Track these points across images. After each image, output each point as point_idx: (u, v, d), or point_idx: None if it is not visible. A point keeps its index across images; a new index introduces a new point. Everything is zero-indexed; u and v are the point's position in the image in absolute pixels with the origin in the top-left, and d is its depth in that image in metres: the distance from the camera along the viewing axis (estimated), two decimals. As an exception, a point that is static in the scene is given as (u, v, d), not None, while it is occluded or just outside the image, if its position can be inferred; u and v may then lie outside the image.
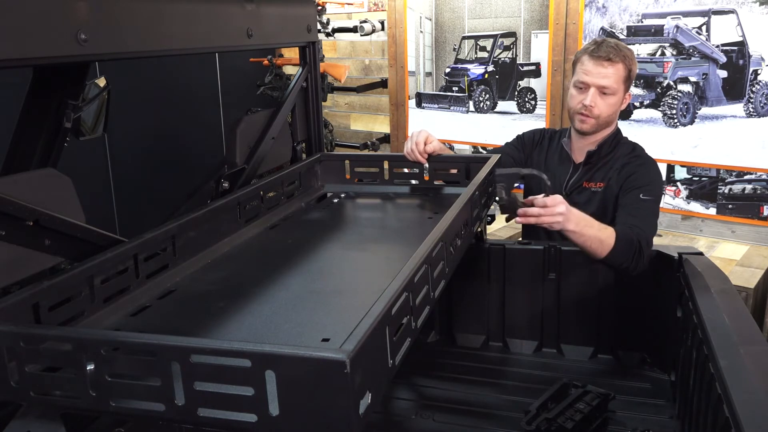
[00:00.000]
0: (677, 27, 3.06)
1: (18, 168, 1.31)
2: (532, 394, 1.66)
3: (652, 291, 1.78)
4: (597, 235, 1.70)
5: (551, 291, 1.90)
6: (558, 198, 1.65)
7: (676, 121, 3.16)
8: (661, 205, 1.94)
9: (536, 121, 3.58)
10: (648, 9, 3.14)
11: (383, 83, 4.18)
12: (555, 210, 1.63)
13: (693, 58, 3.06)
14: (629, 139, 2.03)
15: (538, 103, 3.59)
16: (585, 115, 1.91)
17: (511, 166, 2.08)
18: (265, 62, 3.99)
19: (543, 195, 1.67)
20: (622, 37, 3.23)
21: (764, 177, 2.97)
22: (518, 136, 2.17)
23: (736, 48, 2.95)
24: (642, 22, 3.17)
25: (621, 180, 1.91)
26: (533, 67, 3.58)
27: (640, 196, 1.83)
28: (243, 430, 0.82)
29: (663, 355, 1.77)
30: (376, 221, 1.87)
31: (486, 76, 3.75)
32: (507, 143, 2.18)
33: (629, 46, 1.96)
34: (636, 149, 1.99)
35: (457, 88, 3.87)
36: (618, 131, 2.01)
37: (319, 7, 3.77)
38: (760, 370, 1.11)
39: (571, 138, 2.05)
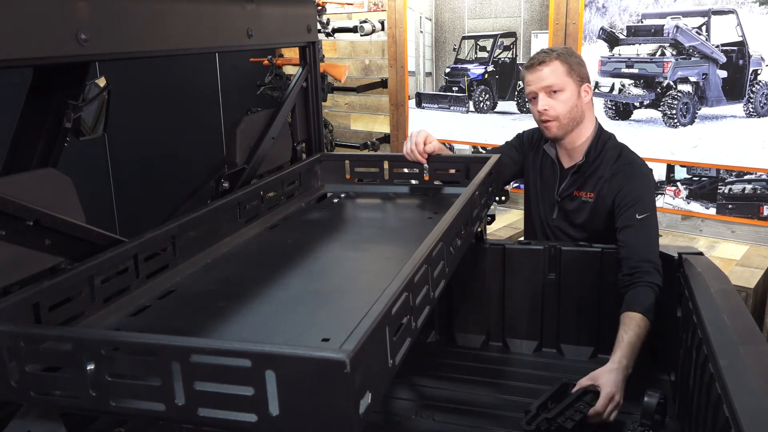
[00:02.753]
0: (677, 27, 3.06)
1: (18, 168, 1.31)
2: (532, 394, 1.66)
3: (652, 291, 1.78)
4: (638, 349, 1.63)
5: (551, 291, 1.90)
6: (608, 389, 1.53)
7: (676, 121, 3.16)
8: (661, 205, 1.94)
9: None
10: (648, 9, 3.14)
11: (383, 83, 4.18)
12: (616, 400, 1.53)
13: (693, 58, 3.06)
14: (615, 138, 1.99)
15: (538, 103, 3.59)
16: (546, 121, 1.92)
17: (510, 166, 2.09)
18: (265, 62, 3.99)
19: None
20: (622, 37, 3.23)
21: (764, 177, 2.97)
22: (518, 135, 2.16)
23: (736, 48, 2.95)
24: (642, 22, 3.17)
25: (612, 193, 1.88)
26: (533, 67, 3.57)
27: (636, 216, 1.81)
28: (243, 430, 0.82)
29: (663, 355, 1.77)
30: (376, 221, 1.87)
31: (486, 76, 3.75)
32: (507, 142, 2.18)
33: (564, 48, 1.98)
34: (623, 154, 1.94)
35: (457, 88, 3.87)
36: (599, 130, 1.97)
37: (319, 7, 3.77)
38: (760, 370, 1.11)
39: (555, 144, 2.03)
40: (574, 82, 1.91)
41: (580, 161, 1.94)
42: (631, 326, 1.64)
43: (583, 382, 1.56)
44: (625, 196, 1.85)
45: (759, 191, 3.00)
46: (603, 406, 1.50)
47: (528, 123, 3.60)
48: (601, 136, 1.96)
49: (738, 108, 2.99)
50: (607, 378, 1.54)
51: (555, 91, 1.89)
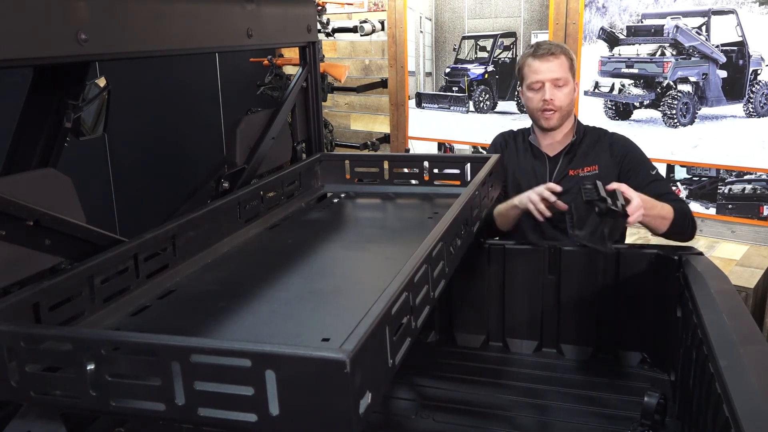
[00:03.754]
0: (677, 27, 3.06)
1: (18, 168, 1.31)
2: (532, 394, 1.66)
3: (652, 291, 1.78)
4: (660, 213, 1.80)
5: (551, 291, 1.90)
6: (629, 192, 1.67)
7: (676, 121, 3.16)
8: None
9: (536, 121, 3.57)
10: (648, 9, 3.14)
11: (383, 83, 4.18)
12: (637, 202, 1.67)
13: (693, 58, 3.06)
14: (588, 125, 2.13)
15: (538, 103, 3.59)
16: (548, 110, 2.00)
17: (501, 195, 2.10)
18: (265, 62, 3.99)
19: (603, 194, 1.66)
20: (622, 37, 3.23)
21: (764, 177, 2.97)
22: (492, 145, 2.23)
23: (736, 48, 2.95)
24: (642, 22, 3.17)
25: (617, 160, 2.00)
26: (533, 67, 3.58)
27: (651, 172, 1.96)
28: (243, 429, 0.82)
29: (663, 355, 1.77)
30: (376, 221, 1.87)
31: (486, 76, 3.75)
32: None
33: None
34: (605, 131, 2.10)
35: (457, 88, 3.87)
36: (579, 122, 2.11)
37: (319, 7, 3.77)
38: (760, 370, 1.11)
39: (537, 135, 2.12)
40: (572, 78, 2.03)
41: (573, 139, 2.05)
42: (662, 204, 1.80)
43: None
44: (633, 158, 2.00)
45: (759, 191, 3.00)
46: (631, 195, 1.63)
47: (527, 123, 3.60)
48: (579, 123, 2.11)
49: (738, 108, 2.99)
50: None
51: (560, 85, 1.99)
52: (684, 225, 1.86)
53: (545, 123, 2.03)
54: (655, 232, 1.87)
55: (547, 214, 1.82)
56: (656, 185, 1.92)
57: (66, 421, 0.96)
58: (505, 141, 2.19)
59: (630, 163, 1.98)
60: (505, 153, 2.14)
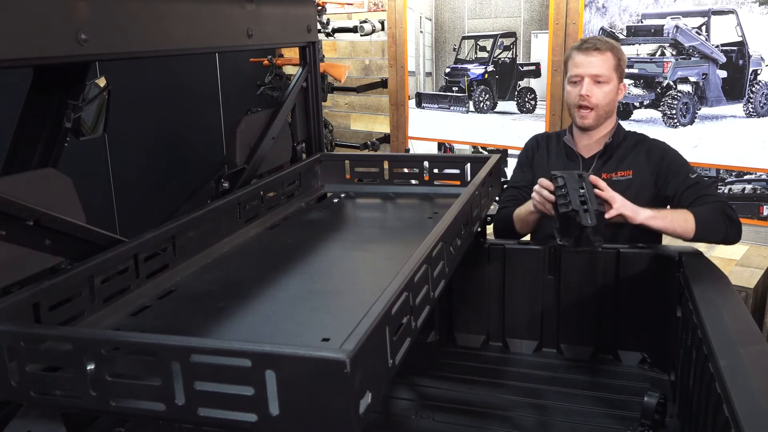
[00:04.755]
0: (677, 27, 3.06)
1: (18, 168, 1.31)
2: (532, 394, 1.66)
3: (652, 291, 1.78)
4: (671, 222, 1.74)
5: (551, 291, 1.90)
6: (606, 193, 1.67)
7: (675, 121, 3.16)
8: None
9: (536, 121, 3.58)
10: (648, 9, 3.14)
11: (383, 83, 4.18)
12: (617, 200, 1.66)
13: (693, 58, 3.06)
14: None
15: (538, 103, 3.59)
16: (584, 107, 1.94)
17: (523, 198, 2.02)
18: (265, 62, 3.99)
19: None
20: (622, 37, 3.23)
21: (764, 177, 2.97)
22: (520, 155, 2.17)
23: (735, 48, 2.95)
24: (642, 22, 3.17)
25: (653, 166, 1.93)
26: (533, 67, 3.58)
27: (691, 176, 1.86)
28: (243, 429, 0.82)
29: (663, 355, 1.77)
30: (376, 221, 1.87)
31: (486, 76, 3.75)
32: (514, 170, 2.17)
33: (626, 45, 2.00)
34: (645, 137, 2.02)
35: (457, 88, 3.87)
36: (620, 125, 2.04)
37: (319, 7, 3.77)
38: (760, 370, 1.11)
39: (574, 135, 2.06)
40: (617, 78, 1.95)
41: (608, 141, 1.98)
42: (677, 211, 1.77)
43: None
44: (671, 164, 1.91)
45: (759, 191, 3.00)
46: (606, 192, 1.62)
47: (527, 123, 3.61)
48: (620, 127, 2.03)
49: (738, 108, 2.99)
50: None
51: (600, 82, 1.93)
52: (713, 227, 1.76)
53: (579, 121, 1.97)
54: (684, 238, 1.78)
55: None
56: (693, 190, 1.83)
57: (66, 421, 0.96)
58: (537, 143, 2.14)
59: (667, 169, 1.90)
60: (536, 155, 2.11)
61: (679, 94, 3.13)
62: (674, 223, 1.74)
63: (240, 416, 0.81)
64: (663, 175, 1.90)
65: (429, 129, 4.06)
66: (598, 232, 1.54)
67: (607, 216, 1.61)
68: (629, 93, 3.25)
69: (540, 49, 3.53)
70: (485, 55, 3.73)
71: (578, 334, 1.89)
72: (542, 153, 2.11)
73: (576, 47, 1.96)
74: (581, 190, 1.56)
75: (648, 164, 1.94)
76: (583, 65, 1.92)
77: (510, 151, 3.44)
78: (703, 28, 3.00)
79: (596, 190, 1.61)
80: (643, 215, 1.70)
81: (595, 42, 1.93)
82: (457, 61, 3.84)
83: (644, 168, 1.94)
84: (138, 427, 1.07)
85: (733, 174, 3.05)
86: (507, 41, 3.63)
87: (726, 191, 3.08)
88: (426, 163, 1.93)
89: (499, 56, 3.68)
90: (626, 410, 1.59)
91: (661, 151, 1.95)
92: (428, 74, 3.98)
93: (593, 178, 1.65)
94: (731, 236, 1.79)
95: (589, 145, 2.02)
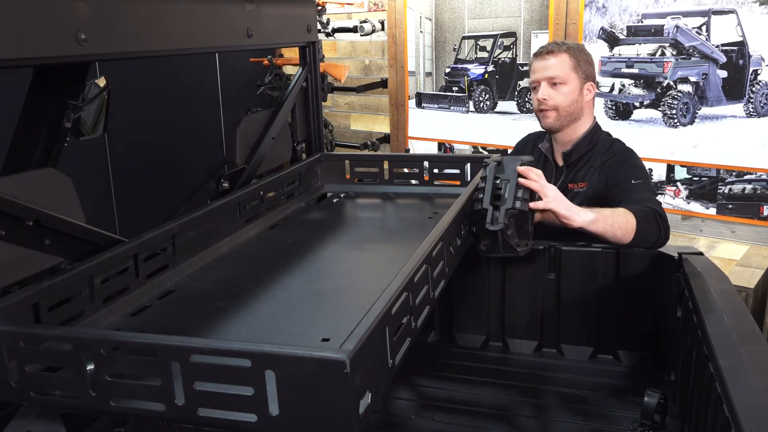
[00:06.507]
0: (677, 27, 3.06)
1: (18, 168, 1.31)
2: (532, 394, 1.66)
3: (652, 291, 1.78)
4: (611, 224, 1.64)
5: (551, 291, 1.89)
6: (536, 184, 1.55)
7: (676, 121, 3.16)
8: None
9: (536, 122, 3.56)
10: (648, 9, 3.14)
11: (383, 83, 4.18)
12: (543, 182, 1.55)
13: (693, 58, 3.06)
14: (611, 134, 2.01)
15: (538, 103, 3.59)
16: (543, 110, 1.94)
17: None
18: (265, 62, 3.99)
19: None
20: (622, 37, 3.23)
21: (764, 177, 2.97)
22: (511, 152, 2.18)
23: (736, 48, 2.95)
24: (642, 22, 3.17)
25: (603, 179, 1.90)
26: (533, 67, 3.58)
27: (632, 182, 1.81)
28: (243, 430, 0.82)
29: (663, 355, 1.77)
30: (376, 221, 1.87)
31: (486, 76, 3.75)
32: None
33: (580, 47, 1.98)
34: (614, 145, 1.96)
35: (457, 88, 3.87)
36: (595, 128, 1.99)
37: (319, 7, 3.77)
38: (760, 370, 1.11)
39: (551, 141, 2.05)
40: (579, 78, 1.94)
41: (567, 150, 1.96)
42: (616, 210, 1.66)
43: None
44: (618, 176, 1.86)
45: (759, 191, 3.00)
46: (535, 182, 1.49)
47: (528, 123, 3.60)
48: (596, 134, 1.98)
49: (738, 108, 2.99)
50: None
51: (557, 83, 1.92)
52: (649, 228, 1.68)
53: (542, 123, 1.98)
54: (620, 243, 1.68)
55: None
56: (627, 193, 1.78)
57: (66, 421, 0.96)
58: (526, 142, 2.14)
59: (614, 180, 1.85)
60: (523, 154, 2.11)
61: (680, 94, 3.13)
62: (614, 226, 1.64)
63: (240, 416, 0.81)
64: (612, 182, 1.86)
65: (429, 129, 4.05)
66: (525, 234, 1.37)
67: (534, 208, 1.47)
68: (629, 93, 3.25)
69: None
70: (485, 55, 3.73)
71: (578, 334, 1.89)
72: (528, 152, 2.11)
73: (533, 54, 1.98)
74: (497, 182, 1.39)
75: (600, 174, 1.91)
76: (538, 70, 1.94)
77: (510, 151, 3.43)
78: (704, 28, 3.00)
79: (526, 181, 1.48)
80: (581, 219, 1.60)
81: (549, 46, 1.95)
82: (457, 61, 3.84)
83: (596, 178, 1.91)
84: (138, 427, 1.07)
85: (733, 174, 3.05)
86: (507, 41, 3.63)
87: (726, 191, 3.08)
88: (426, 163, 1.93)
89: (499, 56, 3.68)
90: (626, 410, 1.59)
91: (618, 157, 1.90)
92: (428, 74, 3.98)
93: (522, 168, 1.51)
94: (662, 239, 1.72)
95: (559, 151, 2.01)
